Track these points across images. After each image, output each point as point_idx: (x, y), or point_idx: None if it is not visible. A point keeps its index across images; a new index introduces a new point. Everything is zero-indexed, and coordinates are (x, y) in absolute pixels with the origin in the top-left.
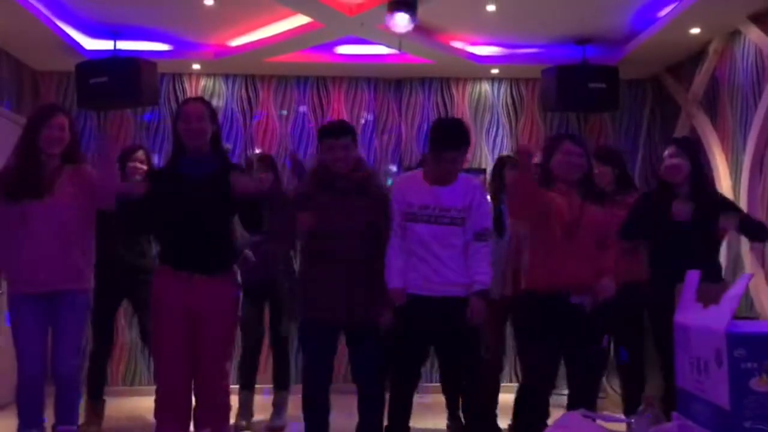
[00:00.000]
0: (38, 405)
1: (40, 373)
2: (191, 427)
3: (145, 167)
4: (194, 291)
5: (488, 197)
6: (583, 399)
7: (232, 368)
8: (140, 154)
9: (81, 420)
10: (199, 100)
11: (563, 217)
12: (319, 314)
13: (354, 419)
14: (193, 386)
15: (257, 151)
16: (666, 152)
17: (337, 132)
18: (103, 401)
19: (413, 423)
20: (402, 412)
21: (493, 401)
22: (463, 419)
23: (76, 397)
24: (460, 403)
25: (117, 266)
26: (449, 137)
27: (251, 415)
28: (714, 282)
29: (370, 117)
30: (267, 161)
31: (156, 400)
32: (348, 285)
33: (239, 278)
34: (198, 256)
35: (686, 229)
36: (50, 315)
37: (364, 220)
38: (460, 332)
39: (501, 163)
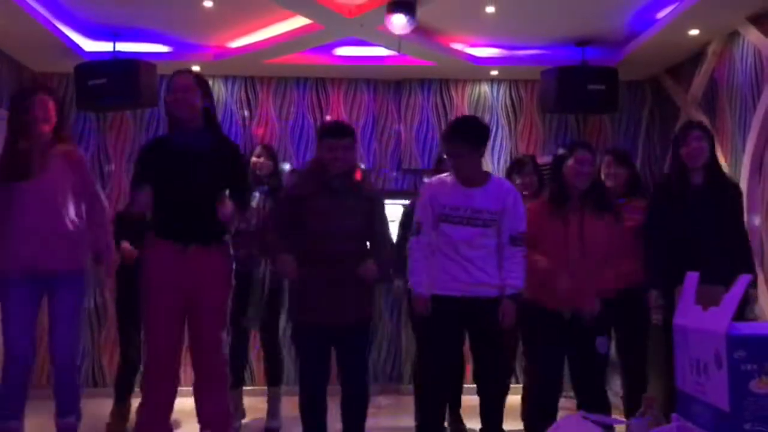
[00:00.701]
0: (20, 396)
1: (27, 361)
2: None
3: None
4: (189, 262)
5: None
6: (593, 403)
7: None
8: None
9: (94, 419)
10: (188, 72)
11: (559, 245)
12: (314, 316)
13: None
14: (191, 359)
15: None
16: (692, 135)
17: (339, 132)
18: (129, 404)
19: (409, 422)
20: (437, 411)
21: (501, 402)
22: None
23: (76, 382)
24: (480, 406)
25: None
26: (449, 134)
27: (243, 415)
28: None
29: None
30: (269, 151)
31: (144, 371)
32: (342, 286)
33: (232, 251)
34: (193, 227)
35: (699, 226)
36: (44, 297)
37: (359, 220)
38: (487, 333)
39: (510, 170)
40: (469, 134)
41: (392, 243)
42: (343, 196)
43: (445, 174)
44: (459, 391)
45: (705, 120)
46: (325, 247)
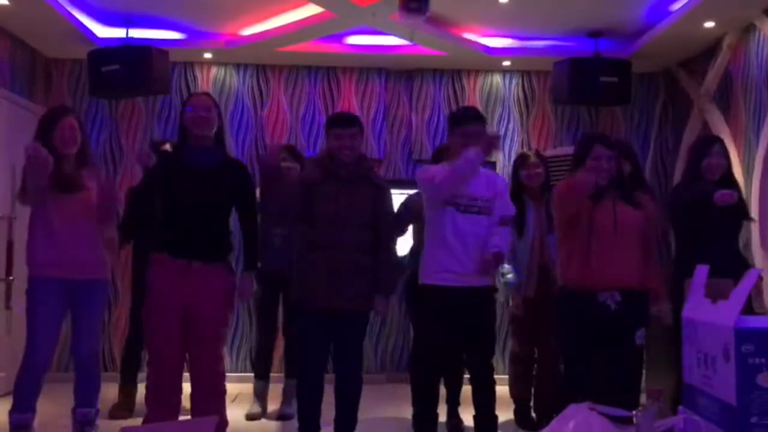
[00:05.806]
0: (36, 392)
1: (48, 362)
2: (180, 415)
3: None
4: (191, 279)
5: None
6: (624, 400)
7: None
8: (168, 146)
9: (100, 403)
10: (206, 93)
11: (600, 225)
12: (316, 301)
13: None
14: (189, 373)
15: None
16: (713, 149)
17: (346, 122)
18: (136, 387)
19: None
20: (430, 400)
21: (527, 390)
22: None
23: (96, 380)
24: (472, 393)
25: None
26: (471, 112)
27: (266, 404)
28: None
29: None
30: (292, 152)
31: (147, 389)
32: (346, 273)
33: (234, 267)
34: (198, 243)
35: (716, 225)
36: (70, 303)
37: (366, 209)
38: (481, 322)
39: (516, 164)
40: (483, 119)
41: (395, 254)
42: (351, 184)
43: (440, 165)
44: (458, 390)
45: (718, 113)
46: (332, 234)
